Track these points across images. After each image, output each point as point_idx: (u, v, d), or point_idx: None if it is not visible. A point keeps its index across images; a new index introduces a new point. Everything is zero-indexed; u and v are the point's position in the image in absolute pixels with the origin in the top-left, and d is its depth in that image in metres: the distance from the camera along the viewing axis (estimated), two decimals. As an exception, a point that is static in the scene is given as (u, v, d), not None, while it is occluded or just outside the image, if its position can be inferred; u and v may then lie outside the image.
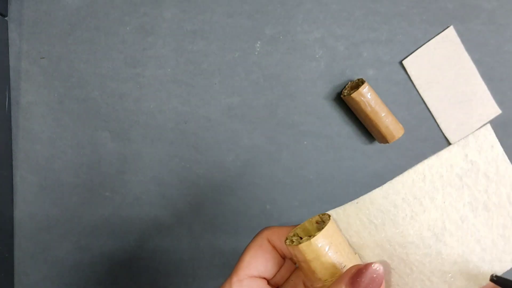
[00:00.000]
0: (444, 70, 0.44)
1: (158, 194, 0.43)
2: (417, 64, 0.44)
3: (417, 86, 0.44)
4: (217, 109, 0.43)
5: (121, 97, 0.42)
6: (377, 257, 0.20)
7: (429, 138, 0.45)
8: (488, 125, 0.20)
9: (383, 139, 0.42)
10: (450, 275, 0.20)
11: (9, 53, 0.41)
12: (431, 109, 0.44)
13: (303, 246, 0.19)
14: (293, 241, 0.20)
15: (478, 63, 0.44)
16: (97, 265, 0.44)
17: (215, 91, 0.43)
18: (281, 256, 0.24)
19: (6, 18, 0.41)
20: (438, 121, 0.44)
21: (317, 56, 0.43)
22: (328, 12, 0.43)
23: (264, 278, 0.24)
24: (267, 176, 0.44)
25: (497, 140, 0.20)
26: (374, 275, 0.18)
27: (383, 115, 0.41)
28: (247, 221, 0.44)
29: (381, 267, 0.18)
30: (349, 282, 0.18)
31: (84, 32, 0.42)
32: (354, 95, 0.40)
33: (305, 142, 0.44)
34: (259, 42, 0.43)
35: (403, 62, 0.44)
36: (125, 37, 0.42)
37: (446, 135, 0.45)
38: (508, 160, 0.20)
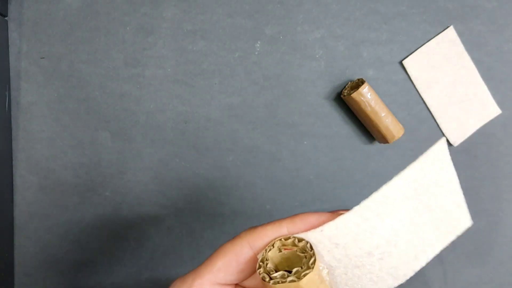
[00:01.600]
0: (444, 70, 0.44)
1: (158, 194, 0.43)
2: (417, 64, 0.44)
3: (417, 86, 0.44)
4: (217, 109, 0.43)
5: (121, 97, 0.42)
6: (328, 266, 0.22)
7: (429, 138, 0.45)
8: (444, 139, 0.22)
9: (383, 139, 0.42)
10: (395, 269, 0.22)
11: (9, 53, 0.41)
12: (431, 109, 0.44)
13: (279, 286, 0.19)
14: (267, 273, 0.20)
15: (478, 63, 0.44)
16: (97, 265, 0.44)
17: (215, 91, 0.43)
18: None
19: (6, 18, 0.41)
20: (438, 121, 0.45)
21: (317, 56, 0.43)
22: (328, 12, 0.43)
23: (233, 284, 0.22)
24: (267, 176, 0.44)
25: (447, 151, 0.23)
26: None
27: (383, 115, 0.41)
28: (247, 221, 0.44)
29: None
30: None
31: (84, 32, 0.42)
32: (354, 95, 0.40)
33: (305, 142, 0.44)
34: (259, 42, 0.43)
35: (403, 62, 0.44)
36: (125, 37, 0.42)
37: (446, 135, 0.45)
38: (453, 167, 0.23)
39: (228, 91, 0.43)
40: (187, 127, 0.43)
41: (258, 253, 0.22)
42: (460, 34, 0.44)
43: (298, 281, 0.19)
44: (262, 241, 0.21)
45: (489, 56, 0.44)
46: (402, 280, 0.23)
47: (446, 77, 0.44)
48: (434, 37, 0.44)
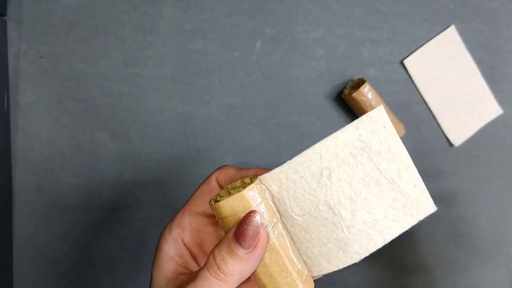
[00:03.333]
0: (445, 70, 0.44)
1: (157, 194, 0.43)
2: (418, 64, 0.43)
3: (418, 86, 0.44)
4: (217, 109, 0.43)
5: (120, 97, 0.42)
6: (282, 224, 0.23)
7: (430, 138, 0.45)
8: (381, 106, 0.21)
9: (384, 139, 0.42)
10: (344, 242, 0.22)
11: (8, 52, 0.41)
12: (432, 109, 0.44)
13: (218, 205, 0.21)
14: (217, 200, 0.22)
15: (480, 62, 0.44)
16: (97, 266, 0.44)
17: (215, 91, 0.43)
18: None
19: (5, 18, 0.41)
20: (439, 121, 0.44)
21: (317, 55, 0.43)
22: (329, 11, 0.43)
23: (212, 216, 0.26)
24: (267, 176, 0.44)
25: (389, 121, 0.21)
26: (254, 224, 0.20)
27: (384, 115, 0.41)
28: (247, 221, 0.44)
29: (257, 218, 0.20)
30: (234, 230, 0.20)
31: (83, 32, 0.41)
32: (355, 94, 0.40)
33: (305, 142, 0.44)
34: (259, 42, 0.42)
35: (404, 61, 0.43)
36: (124, 37, 0.42)
37: (447, 135, 0.44)
38: (399, 139, 0.21)
39: (228, 91, 0.43)
40: (186, 127, 0.43)
41: (222, 184, 0.26)
42: (461, 33, 0.43)
43: (242, 191, 0.21)
44: (224, 176, 0.25)
45: (490, 56, 0.44)
46: (355, 259, 0.22)
47: (447, 76, 0.44)
48: (435, 36, 0.43)
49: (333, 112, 0.44)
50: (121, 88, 0.42)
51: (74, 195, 0.43)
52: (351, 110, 0.43)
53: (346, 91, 0.42)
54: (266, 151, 0.44)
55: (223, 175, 0.26)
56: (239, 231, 0.20)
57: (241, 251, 0.20)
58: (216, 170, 0.26)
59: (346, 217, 0.22)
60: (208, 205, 0.25)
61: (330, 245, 0.22)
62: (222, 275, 0.20)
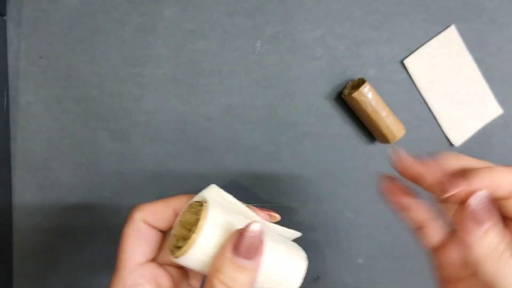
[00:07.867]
0: (445, 70, 0.44)
1: (157, 195, 0.43)
2: (418, 64, 0.43)
3: (418, 86, 0.44)
4: (217, 109, 0.43)
5: (120, 96, 0.42)
6: None
7: (431, 138, 0.45)
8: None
9: (384, 139, 0.42)
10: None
11: (8, 52, 0.41)
12: (433, 109, 0.44)
13: (183, 259, 0.21)
14: (175, 248, 0.21)
15: (480, 62, 0.44)
16: (97, 267, 0.43)
17: (215, 90, 0.43)
18: (161, 231, 0.25)
19: (4, 17, 0.41)
20: (439, 121, 0.44)
21: (317, 55, 0.43)
22: (329, 11, 0.43)
23: (153, 259, 0.24)
24: (267, 176, 0.44)
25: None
26: (253, 235, 0.19)
27: (384, 115, 0.41)
28: (247, 221, 0.44)
29: (258, 226, 0.20)
30: (233, 248, 0.19)
31: (83, 32, 0.41)
32: (355, 94, 0.40)
33: (305, 142, 0.44)
34: (259, 42, 0.42)
35: (404, 61, 0.43)
36: (124, 37, 0.42)
37: (448, 135, 0.44)
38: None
39: (228, 90, 0.43)
40: (186, 127, 0.43)
41: (155, 225, 0.24)
42: (461, 33, 0.43)
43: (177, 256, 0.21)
44: (153, 216, 0.24)
45: (490, 56, 0.44)
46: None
47: (447, 76, 0.44)
48: (435, 36, 0.43)
49: (333, 112, 0.44)
50: (121, 88, 0.42)
51: (73, 195, 0.43)
52: (351, 110, 0.43)
53: (346, 91, 0.42)
54: (266, 151, 0.44)
55: (150, 215, 0.24)
56: (242, 246, 0.19)
57: (247, 264, 0.19)
58: (135, 213, 0.24)
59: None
60: (150, 250, 0.25)
61: None
62: None
